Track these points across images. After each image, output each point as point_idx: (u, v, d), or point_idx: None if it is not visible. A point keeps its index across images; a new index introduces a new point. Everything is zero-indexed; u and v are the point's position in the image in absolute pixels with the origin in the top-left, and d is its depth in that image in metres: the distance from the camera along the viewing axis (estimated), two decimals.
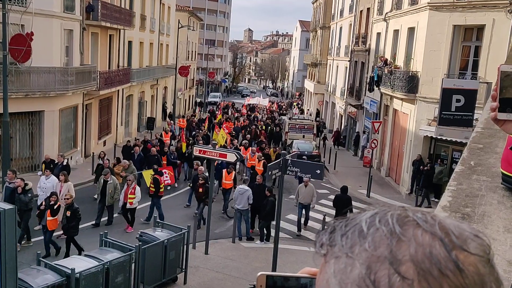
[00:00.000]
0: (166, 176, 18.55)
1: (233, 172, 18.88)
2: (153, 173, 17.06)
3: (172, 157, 22.06)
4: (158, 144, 24.30)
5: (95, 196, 17.81)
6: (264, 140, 28.28)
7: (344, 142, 36.64)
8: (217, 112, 47.49)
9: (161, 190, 16.84)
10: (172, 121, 35.66)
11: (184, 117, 39.28)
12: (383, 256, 0.62)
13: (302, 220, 17.46)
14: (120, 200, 15.82)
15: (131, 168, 18.59)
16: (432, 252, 0.61)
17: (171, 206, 18.61)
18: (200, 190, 16.54)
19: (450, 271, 0.60)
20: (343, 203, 16.31)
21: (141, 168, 19.48)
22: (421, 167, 20.70)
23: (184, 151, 23.35)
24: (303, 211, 17.34)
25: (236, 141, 28.41)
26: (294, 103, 68.89)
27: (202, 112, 50.87)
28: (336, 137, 35.83)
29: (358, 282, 0.62)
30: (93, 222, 15.97)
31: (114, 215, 16.41)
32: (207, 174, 18.47)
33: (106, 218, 16.28)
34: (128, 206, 15.52)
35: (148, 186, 16.92)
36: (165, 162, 21.39)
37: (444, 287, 0.59)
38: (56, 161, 18.27)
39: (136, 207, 15.84)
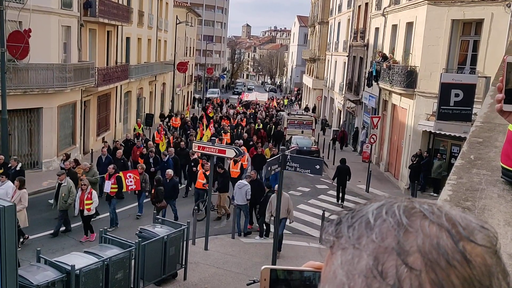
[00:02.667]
0: (131, 181, 16.34)
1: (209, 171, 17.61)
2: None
3: (149, 159, 19.66)
4: (144, 145, 22.04)
5: (50, 201, 16.51)
6: (257, 140, 26.21)
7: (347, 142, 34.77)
8: (208, 107, 44.60)
9: (112, 190, 15.54)
10: (161, 122, 32.97)
11: (178, 115, 36.69)
12: (391, 247, 0.62)
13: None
14: (76, 208, 14.35)
15: (92, 171, 17.00)
16: (439, 243, 0.61)
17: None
18: (152, 192, 15.43)
19: (457, 262, 0.60)
20: (343, 172, 20.43)
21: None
22: (412, 159, 20.88)
23: (162, 151, 21.57)
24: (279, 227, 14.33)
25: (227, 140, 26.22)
26: (285, 99, 66.95)
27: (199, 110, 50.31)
28: (341, 137, 33.56)
29: (365, 273, 0.62)
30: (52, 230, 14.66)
31: (76, 224, 15.12)
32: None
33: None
34: (86, 213, 14.19)
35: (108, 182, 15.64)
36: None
37: (451, 278, 0.59)
38: (9, 165, 16.45)
39: (93, 214, 14.64)
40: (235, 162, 19.34)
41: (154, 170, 19.12)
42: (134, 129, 28.37)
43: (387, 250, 0.62)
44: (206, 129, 27.91)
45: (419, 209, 0.66)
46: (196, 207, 16.90)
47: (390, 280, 0.60)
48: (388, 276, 0.60)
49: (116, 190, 15.61)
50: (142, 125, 30.22)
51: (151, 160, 19.66)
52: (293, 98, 73.96)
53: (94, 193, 14.46)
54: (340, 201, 20.58)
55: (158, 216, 13.29)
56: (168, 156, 19.70)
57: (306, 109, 52.76)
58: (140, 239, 11.03)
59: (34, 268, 9.37)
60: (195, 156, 19.58)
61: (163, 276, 11.70)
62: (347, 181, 20.68)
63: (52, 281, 8.88)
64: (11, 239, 6.58)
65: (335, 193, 21.61)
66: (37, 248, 10.47)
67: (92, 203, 14.19)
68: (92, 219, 14.90)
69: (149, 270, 11.20)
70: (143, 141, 23.83)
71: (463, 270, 0.60)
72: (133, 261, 10.74)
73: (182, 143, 22.57)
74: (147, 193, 16.63)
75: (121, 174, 16.10)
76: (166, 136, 25.70)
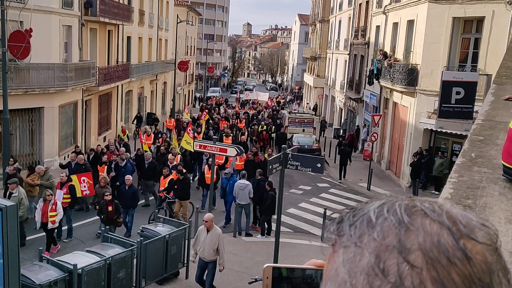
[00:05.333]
0: (85, 186, 15.15)
1: (170, 176, 16.41)
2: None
3: (112, 165, 17.69)
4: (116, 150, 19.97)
5: None
6: (259, 143, 25.00)
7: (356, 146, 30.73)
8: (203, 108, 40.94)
9: (65, 200, 14.25)
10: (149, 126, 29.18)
11: (172, 116, 34.37)
12: (392, 245, 0.63)
13: None
14: (37, 221, 13.14)
15: (47, 175, 15.69)
16: (440, 241, 0.62)
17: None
18: (110, 208, 13.44)
19: (458, 260, 0.61)
20: (344, 154, 23.93)
21: None
22: (413, 157, 20.88)
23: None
24: (206, 273, 11.50)
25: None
26: (280, 100, 63.80)
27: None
28: (350, 141, 28.52)
29: (367, 271, 0.62)
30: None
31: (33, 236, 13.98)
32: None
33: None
34: (50, 226, 12.94)
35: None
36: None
37: (452, 275, 0.60)
38: None
39: (57, 226, 13.47)
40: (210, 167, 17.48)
41: (114, 175, 17.21)
42: (118, 136, 26.13)
43: (389, 248, 0.63)
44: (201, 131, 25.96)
45: (420, 208, 0.67)
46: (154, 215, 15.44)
47: (391, 277, 0.61)
48: (389, 273, 0.61)
49: (69, 200, 14.40)
50: (127, 132, 27.11)
51: (112, 166, 17.76)
52: (289, 96, 73.38)
53: (59, 204, 13.28)
54: (341, 178, 23.75)
55: (158, 215, 13.26)
56: (125, 161, 17.88)
57: (314, 109, 51.97)
58: (142, 238, 11.06)
59: (37, 267, 9.39)
60: (175, 162, 18.20)
61: (165, 275, 11.72)
62: (349, 161, 23.98)
63: (55, 280, 8.90)
64: (13, 239, 6.59)
65: (336, 192, 21.77)
66: (39, 248, 10.49)
67: (56, 214, 13.05)
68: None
69: (151, 269, 11.23)
70: (121, 145, 21.70)
71: (463, 268, 0.61)
72: (135, 260, 10.76)
73: (163, 147, 20.88)
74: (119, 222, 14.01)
75: (74, 177, 15.14)
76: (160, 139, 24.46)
